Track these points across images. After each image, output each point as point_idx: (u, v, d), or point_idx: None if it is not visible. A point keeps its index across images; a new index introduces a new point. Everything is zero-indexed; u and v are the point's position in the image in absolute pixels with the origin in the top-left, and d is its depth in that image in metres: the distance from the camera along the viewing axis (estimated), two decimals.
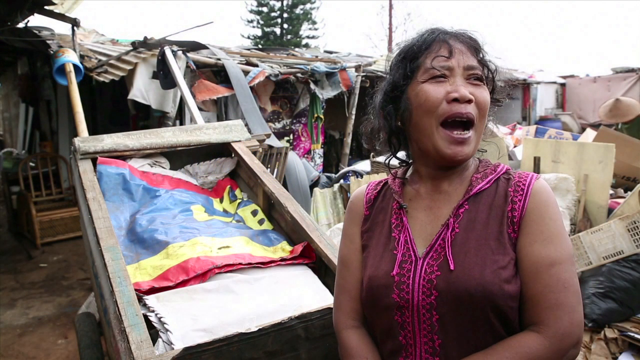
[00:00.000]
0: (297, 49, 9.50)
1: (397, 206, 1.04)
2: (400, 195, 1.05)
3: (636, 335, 2.47)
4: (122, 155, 2.41)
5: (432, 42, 0.97)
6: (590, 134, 4.60)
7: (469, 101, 0.93)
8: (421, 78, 0.96)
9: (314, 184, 5.34)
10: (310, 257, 1.88)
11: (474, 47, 0.98)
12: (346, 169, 5.42)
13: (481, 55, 0.98)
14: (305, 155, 6.47)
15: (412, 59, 0.98)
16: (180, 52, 4.79)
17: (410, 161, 1.09)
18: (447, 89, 0.93)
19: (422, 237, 0.98)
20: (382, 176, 1.15)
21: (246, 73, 5.20)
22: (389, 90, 1.03)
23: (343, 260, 1.10)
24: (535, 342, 0.85)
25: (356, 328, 1.05)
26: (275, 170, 4.36)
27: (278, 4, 25.00)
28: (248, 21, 25.57)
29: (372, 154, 4.83)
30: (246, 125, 4.03)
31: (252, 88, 5.14)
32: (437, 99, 0.93)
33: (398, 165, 1.13)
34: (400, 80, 1.00)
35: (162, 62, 4.60)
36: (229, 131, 2.66)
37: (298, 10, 25.04)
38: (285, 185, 4.71)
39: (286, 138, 6.25)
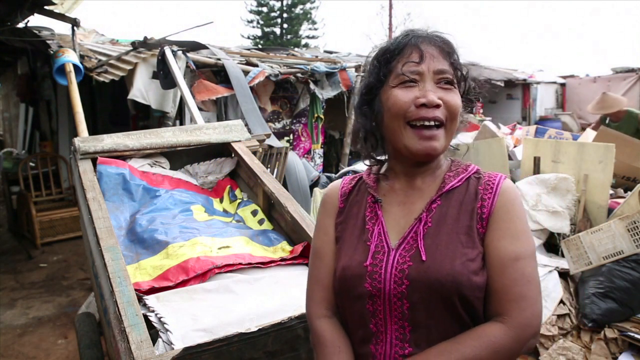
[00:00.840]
0: (297, 49, 9.50)
1: (372, 200, 1.07)
2: (375, 190, 1.09)
3: (636, 335, 2.47)
4: (122, 155, 2.41)
5: (405, 46, 1.00)
6: (590, 134, 4.60)
7: (437, 106, 0.96)
8: (392, 83, 1.00)
9: (314, 184, 5.34)
10: None
11: (447, 51, 1.00)
12: (346, 169, 5.41)
13: (454, 58, 1.01)
14: (305, 155, 6.47)
15: (385, 63, 1.02)
16: (180, 52, 4.79)
17: (385, 158, 1.12)
18: (416, 94, 0.96)
19: (396, 230, 1.01)
20: None
21: (246, 73, 5.20)
22: (365, 93, 1.07)
23: (316, 251, 1.13)
24: (500, 332, 0.90)
25: (328, 318, 1.07)
26: (275, 170, 4.36)
27: (278, 4, 25.02)
28: (248, 21, 25.60)
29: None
30: (246, 125, 4.03)
31: (252, 88, 5.14)
32: (406, 103, 0.97)
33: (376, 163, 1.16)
34: (374, 84, 1.04)
35: (162, 62, 4.60)
36: (229, 131, 2.66)
37: (298, 10, 25.05)
38: (285, 185, 4.70)
39: (286, 138, 6.24)
